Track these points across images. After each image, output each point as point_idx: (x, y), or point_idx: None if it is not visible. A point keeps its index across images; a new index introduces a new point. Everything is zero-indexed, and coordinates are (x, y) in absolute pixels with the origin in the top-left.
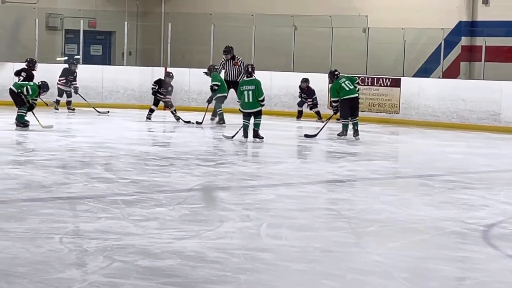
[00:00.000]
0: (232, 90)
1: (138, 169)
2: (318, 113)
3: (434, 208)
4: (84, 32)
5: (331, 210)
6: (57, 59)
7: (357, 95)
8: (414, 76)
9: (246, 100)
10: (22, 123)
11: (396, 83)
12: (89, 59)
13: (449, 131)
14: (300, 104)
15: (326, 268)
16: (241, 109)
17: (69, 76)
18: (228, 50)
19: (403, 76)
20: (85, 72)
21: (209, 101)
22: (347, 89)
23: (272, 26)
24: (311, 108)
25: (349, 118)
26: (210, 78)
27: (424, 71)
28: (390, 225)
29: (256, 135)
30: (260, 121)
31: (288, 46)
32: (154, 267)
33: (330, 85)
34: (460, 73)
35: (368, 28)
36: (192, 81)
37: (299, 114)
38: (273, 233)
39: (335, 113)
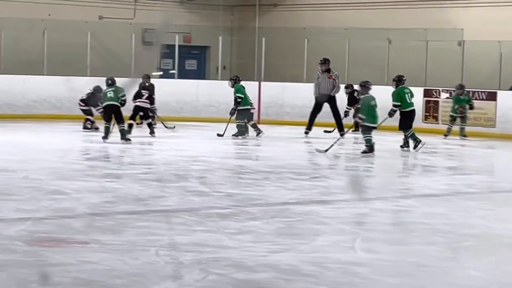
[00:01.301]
0: (325, 104)
1: (233, 183)
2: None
3: None
4: (179, 47)
5: (426, 224)
6: (153, 74)
7: (414, 108)
8: (511, 89)
9: (376, 115)
10: (126, 138)
11: (492, 96)
12: (184, 74)
13: None
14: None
15: (421, 283)
16: (368, 124)
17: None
18: (324, 61)
19: (499, 90)
20: (180, 87)
21: (231, 113)
22: (408, 101)
23: (366, 40)
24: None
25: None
26: (234, 90)
27: None
28: (487, 240)
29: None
30: None
31: (382, 60)
32: (249, 280)
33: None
34: None
35: (464, 41)
36: (286, 95)
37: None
38: (368, 247)
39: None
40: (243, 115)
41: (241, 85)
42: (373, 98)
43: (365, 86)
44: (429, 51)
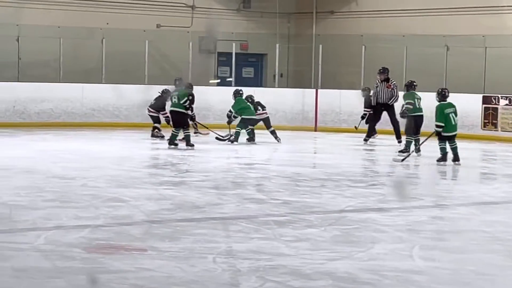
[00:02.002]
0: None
1: (290, 190)
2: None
3: None
4: (236, 55)
5: (485, 232)
6: (210, 81)
7: (423, 114)
8: None
9: (453, 123)
10: (191, 144)
11: None
12: (241, 82)
13: None
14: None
15: None
16: (444, 133)
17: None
18: (383, 71)
19: None
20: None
21: (228, 123)
22: (417, 106)
23: (423, 47)
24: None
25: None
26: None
27: None
28: None
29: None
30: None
31: (440, 67)
32: (306, 287)
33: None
34: None
35: None
36: (343, 103)
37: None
38: (426, 255)
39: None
40: (245, 123)
41: (242, 98)
42: (450, 106)
43: (441, 93)
44: (487, 57)
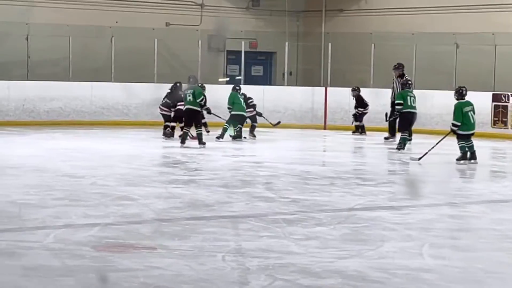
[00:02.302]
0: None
1: (299, 188)
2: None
3: None
4: (245, 53)
5: (495, 231)
6: (219, 80)
7: (416, 112)
8: None
9: (472, 121)
10: (203, 142)
11: None
12: (250, 80)
13: None
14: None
15: None
16: (462, 132)
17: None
18: (398, 66)
19: None
20: (246, 93)
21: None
22: (409, 104)
23: (433, 45)
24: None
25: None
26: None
27: None
28: None
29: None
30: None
31: (449, 65)
32: (315, 286)
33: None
34: None
35: None
36: (352, 101)
37: (361, 129)
38: (436, 253)
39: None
40: (234, 120)
41: (235, 93)
42: (469, 104)
43: (459, 92)
44: (497, 55)
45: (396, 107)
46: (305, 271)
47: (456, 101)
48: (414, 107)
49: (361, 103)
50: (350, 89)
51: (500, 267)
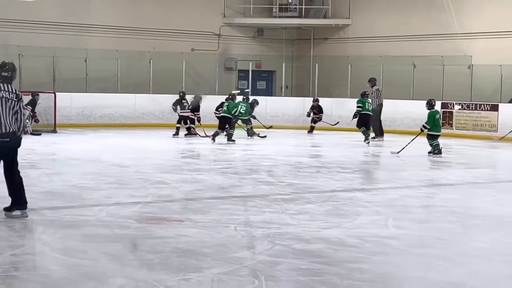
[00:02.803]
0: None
1: (293, 175)
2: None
3: None
4: (252, 72)
5: (444, 207)
6: (232, 92)
7: (370, 114)
8: (509, 102)
9: (440, 125)
10: (233, 140)
11: (494, 108)
12: (256, 92)
13: None
14: (313, 121)
15: (440, 252)
16: (433, 133)
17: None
18: (371, 80)
19: (500, 103)
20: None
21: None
22: (366, 108)
23: (396, 65)
24: (315, 122)
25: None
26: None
27: None
28: (491, 219)
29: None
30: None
31: (408, 81)
32: (306, 249)
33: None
34: None
35: (472, 65)
36: (334, 108)
37: (312, 129)
38: (398, 224)
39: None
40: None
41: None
42: (438, 112)
43: (430, 103)
44: (445, 73)
45: (357, 109)
46: (298, 238)
47: (428, 110)
48: (370, 110)
49: (320, 110)
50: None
51: (447, 235)
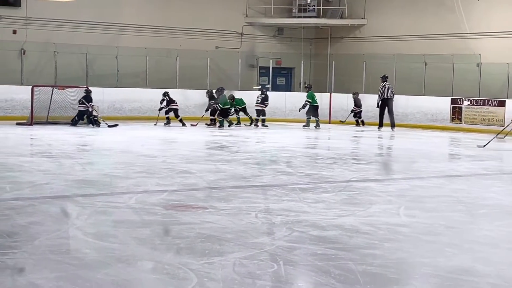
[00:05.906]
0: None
1: (311, 166)
2: (362, 121)
3: None
4: (272, 68)
5: (452, 197)
6: (253, 88)
7: (317, 104)
8: None
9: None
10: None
11: (502, 103)
12: (276, 88)
13: None
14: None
15: (448, 239)
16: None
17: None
18: (384, 76)
19: (507, 99)
20: (273, 97)
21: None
22: (315, 99)
23: (408, 63)
24: (358, 116)
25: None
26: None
27: None
28: (498, 209)
29: None
30: None
31: (420, 77)
32: (322, 236)
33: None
34: None
35: (481, 63)
36: (349, 103)
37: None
38: (409, 213)
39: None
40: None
41: (224, 95)
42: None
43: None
44: (455, 71)
45: (306, 102)
46: (315, 225)
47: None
48: (317, 102)
49: (358, 104)
50: (352, 93)
51: (456, 223)
